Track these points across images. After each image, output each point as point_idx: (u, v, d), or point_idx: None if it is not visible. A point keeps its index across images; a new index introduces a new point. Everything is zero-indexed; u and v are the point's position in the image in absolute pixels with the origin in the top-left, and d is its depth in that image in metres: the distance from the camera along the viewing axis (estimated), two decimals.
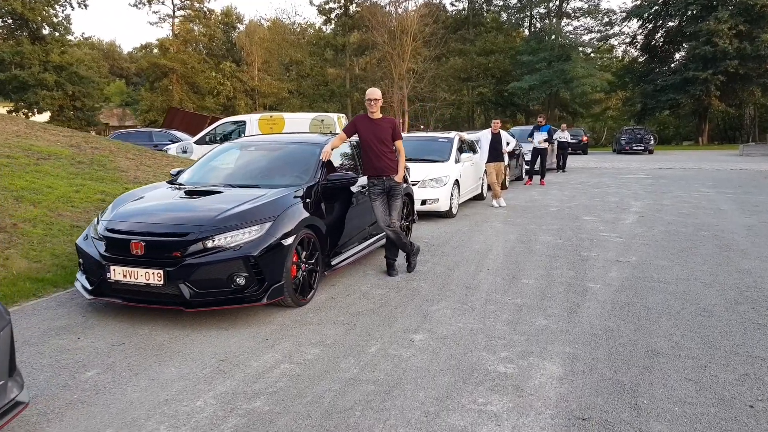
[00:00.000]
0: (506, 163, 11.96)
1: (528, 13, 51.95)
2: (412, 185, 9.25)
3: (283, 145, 6.35)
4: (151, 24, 77.42)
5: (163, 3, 50.70)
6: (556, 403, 3.30)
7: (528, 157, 16.48)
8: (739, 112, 46.89)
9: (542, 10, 51.12)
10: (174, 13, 51.08)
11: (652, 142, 33.43)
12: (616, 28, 50.18)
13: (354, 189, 6.29)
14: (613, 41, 52.72)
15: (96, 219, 5.22)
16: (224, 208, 4.78)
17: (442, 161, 10.35)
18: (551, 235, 8.42)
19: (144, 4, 49.45)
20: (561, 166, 20.56)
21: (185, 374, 3.72)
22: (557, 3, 49.27)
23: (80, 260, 5.03)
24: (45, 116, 48.13)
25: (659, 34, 48.54)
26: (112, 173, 9.97)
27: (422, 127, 46.50)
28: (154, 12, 73.34)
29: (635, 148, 33.06)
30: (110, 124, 62.04)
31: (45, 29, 47.32)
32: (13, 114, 45.97)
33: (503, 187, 13.99)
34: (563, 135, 20.05)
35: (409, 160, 10.42)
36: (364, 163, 6.13)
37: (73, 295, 5.36)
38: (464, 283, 5.87)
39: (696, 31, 40.83)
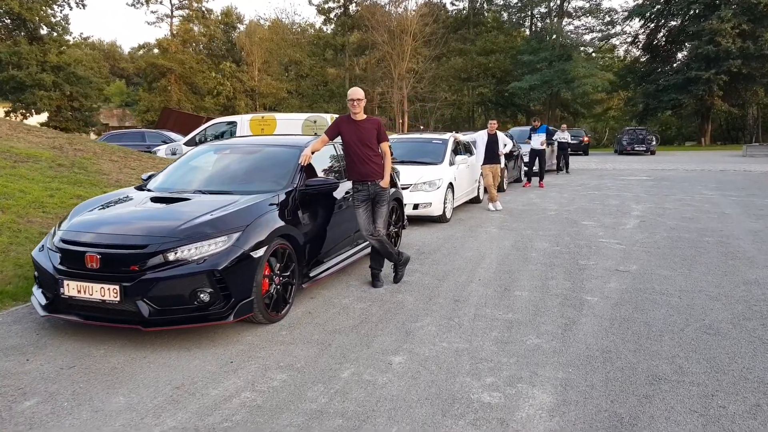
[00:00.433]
0: (503, 165, 11.57)
1: (529, 13, 51.58)
2: (404, 189, 8.91)
3: (261, 148, 5.97)
4: (149, 24, 76.92)
5: (161, 3, 50.43)
6: None
7: (527, 159, 16.09)
8: (742, 113, 46.42)
9: (543, 10, 50.75)
10: (172, 12, 50.77)
11: (654, 143, 33.02)
12: (618, 28, 49.88)
13: (337, 195, 5.92)
14: (614, 41, 52.42)
15: (54, 228, 4.84)
16: (189, 218, 4.41)
17: (436, 163, 9.97)
18: (548, 242, 8.04)
19: (142, 4, 49.23)
20: (560, 167, 20.20)
21: (134, 404, 3.35)
22: (558, 2, 48.90)
23: (35, 273, 4.66)
24: (43, 117, 47.97)
25: (661, 34, 48.12)
26: (93, 176, 9.60)
27: (422, 127, 46.11)
28: (152, 12, 73.07)
29: (637, 148, 32.65)
30: (110, 124, 61.75)
31: (43, 29, 47.07)
32: (11, 114, 45.81)
33: (501, 189, 13.65)
34: (563, 135, 19.67)
35: (401, 162, 10.13)
36: (348, 167, 5.76)
37: (31, 310, 4.98)
38: (453, 296, 5.49)
39: (699, 30, 40.41)
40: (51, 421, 3.17)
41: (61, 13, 48.39)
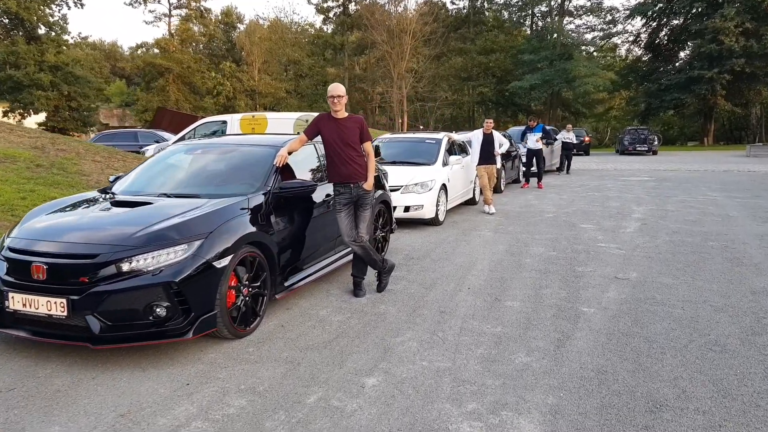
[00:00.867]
0: (499, 165, 11.19)
1: (529, 12, 51.15)
2: (394, 190, 8.55)
3: (235, 148, 5.60)
4: (146, 23, 76.30)
5: (159, 2, 50.12)
6: None
7: (525, 159, 15.70)
8: (745, 112, 45.93)
9: (544, 8, 50.32)
10: (170, 12, 50.43)
11: (656, 143, 32.58)
12: (620, 27, 49.48)
13: (317, 198, 5.55)
14: (616, 40, 51.95)
15: (4, 235, 4.48)
16: (146, 224, 4.04)
17: (429, 164, 9.59)
18: (544, 246, 7.66)
19: (140, 3, 48.89)
20: (561, 168, 19.84)
21: None
22: (559, 1, 48.48)
23: None
24: (41, 117, 47.73)
25: (663, 33, 47.66)
26: (72, 178, 9.25)
27: (421, 127, 45.72)
28: (150, 11, 72.70)
29: (639, 148, 32.22)
30: (110, 124, 61.45)
31: (41, 29, 46.80)
32: (9, 115, 45.53)
33: (498, 190, 13.27)
34: (568, 136, 19.28)
35: (392, 162, 9.77)
36: (329, 168, 5.38)
37: None
38: (439, 307, 5.12)
39: (701, 28, 39.94)
40: None
41: (59, 12, 48.16)
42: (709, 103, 42.53)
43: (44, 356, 4.00)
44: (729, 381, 3.58)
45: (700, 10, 41.85)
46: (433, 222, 9.18)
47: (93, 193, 5.19)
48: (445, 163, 9.82)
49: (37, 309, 3.78)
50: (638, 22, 48.27)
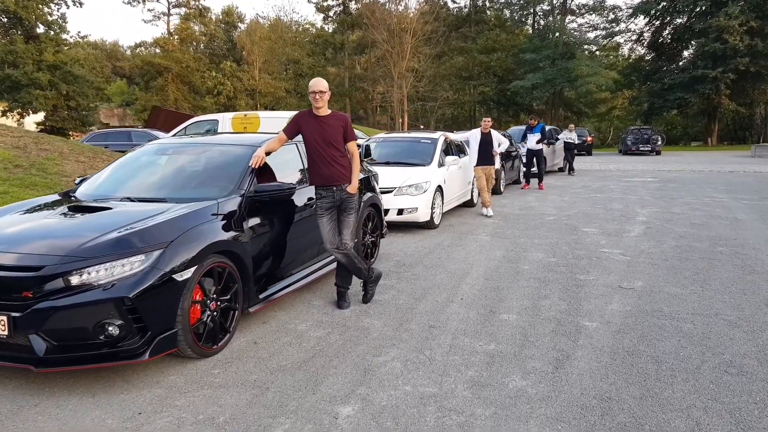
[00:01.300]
0: (498, 166, 10.77)
1: (531, 10, 50.64)
2: (387, 192, 8.17)
3: (209, 148, 5.19)
4: (145, 22, 75.78)
5: (158, 1, 49.78)
6: None
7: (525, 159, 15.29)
8: (749, 112, 45.40)
9: (546, 7, 49.85)
10: (169, 10, 50.08)
11: (659, 143, 32.09)
12: (622, 25, 48.91)
13: (298, 201, 5.15)
14: (618, 39, 51.42)
15: None
16: (101, 232, 3.65)
17: (424, 165, 9.18)
18: (544, 252, 7.26)
19: (138, 2, 48.51)
20: (564, 168, 19.45)
21: None
22: None
23: None
24: (40, 116, 47.46)
25: (667, 31, 47.17)
26: (52, 179, 8.87)
27: (422, 126, 45.28)
28: (148, 10, 72.40)
29: (642, 148, 31.75)
30: (111, 124, 61.15)
31: (40, 28, 46.49)
32: (7, 114, 45.27)
33: (497, 192, 12.87)
34: (570, 136, 18.86)
35: (386, 163, 9.37)
36: (310, 170, 4.99)
37: None
38: (428, 320, 4.72)
39: (705, 27, 39.44)
40: None
41: (58, 11, 47.84)
42: (713, 103, 42.04)
43: None
44: (748, 410, 3.18)
45: (704, 8, 41.35)
46: (428, 225, 8.78)
47: (53, 197, 4.80)
48: (441, 164, 9.42)
49: None
50: (641, 20, 47.83)
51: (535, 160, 14.72)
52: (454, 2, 54.32)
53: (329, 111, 4.95)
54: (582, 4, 48.64)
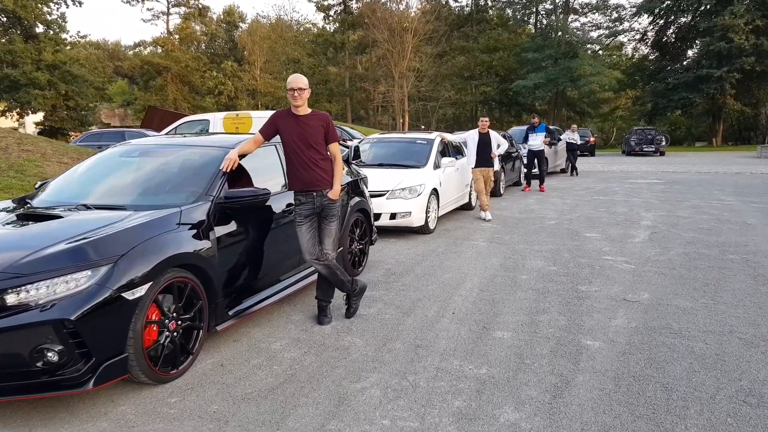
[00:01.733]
0: (498, 167, 10.36)
1: (533, 9, 50.10)
2: (379, 196, 7.78)
3: (178, 150, 4.79)
4: (144, 21, 75.19)
5: (157, 0, 49.46)
6: None
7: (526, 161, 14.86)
8: (755, 112, 44.84)
9: (548, 6, 49.33)
10: (168, 10, 49.75)
11: (663, 144, 31.61)
12: (626, 24, 48.54)
13: (276, 208, 4.76)
14: (622, 38, 50.84)
15: None
16: (44, 245, 3.25)
17: (419, 167, 8.78)
18: (543, 259, 6.85)
19: (138, 1, 48.18)
20: (566, 169, 19.04)
21: None
22: None
23: None
24: (39, 116, 47.25)
25: (671, 30, 46.64)
26: (29, 181, 8.50)
27: (423, 127, 44.87)
28: (148, 9, 72.02)
29: (646, 149, 31.27)
30: (112, 124, 60.88)
31: (39, 27, 46.22)
32: (6, 114, 45.04)
33: (497, 194, 12.47)
34: (573, 136, 18.42)
35: (379, 165, 8.97)
36: (288, 174, 4.59)
37: None
38: (415, 338, 4.31)
39: (710, 26, 38.93)
40: None
41: (57, 10, 47.54)
42: (717, 103, 41.52)
43: None
44: None
45: (708, 7, 40.85)
46: (423, 230, 8.38)
47: (5, 203, 4.41)
48: (436, 166, 9.02)
49: None
50: (645, 20, 47.33)
51: (536, 161, 14.28)
52: (456, 1, 53.91)
53: (309, 110, 4.56)
54: (585, 3, 48.10)
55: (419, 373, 3.70)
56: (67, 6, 48.47)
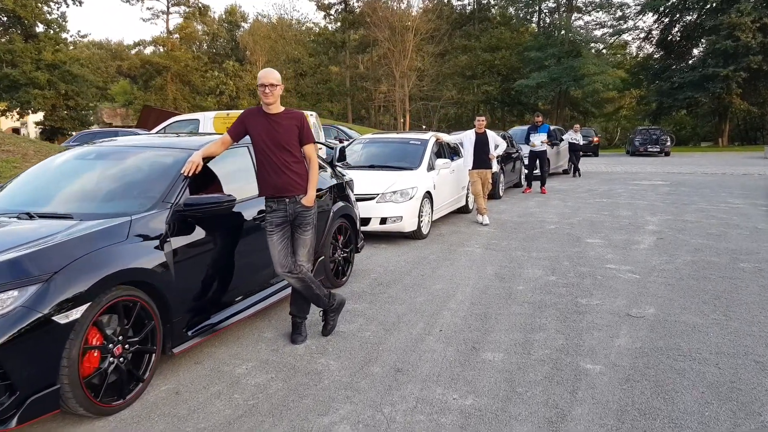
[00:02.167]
0: (496, 169, 9.94)
1: (536, 8, 49.53)
2: (369, 200, 7.38)
3: (137, 152, 4.37)
4: (144, 21, 74.64)
5: None
6: None
7: (527, 161, 14.40)
8: (761, 112, 44.20)
9: (551, 4, 48.74)
10: (168, 9, 49.41)
11: (668, 144, 31.05)
12: (630, 23, 47.73)
13: (247, 215, 4.35)
14: (626, 36, 50.20)
15: None
16: None
17: (411, 169, 8.36)
18: (542, 268, 6.43)
19: (138, 1, 47.81)
20: (569, 170, 18.61)
21: None
22: None
23: None
24: (39, 116, 47.05)
25: (676, 29, 46.01)
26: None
27: (424, 127, 44.43)
28: (147, 8, 71.59)
29: (650, 149, 30.71)
30: (113, 124, 60.62)
31: (39, 27, 45.97)
32: (7, 114, 44.81)
33: (496, 196, 12.06)
34: (575, 136, 17.96)
35: (371, 167, 8.56)
36: (259, 178, 4.19)
37: None
38: (396, 361, 3.90)
39: (716, 24, 38.31)
40: None
41: (57, 10, 47.25)
42: (724, 102, 40.89)
43: None
44: None
45: (714, 5, 40.25)
46: (415, 236, 7.97)
47: None
48: (431, 168, 8.60)
49: None
50: (650, 18, 46.71)
51: (538, 162, 13.83)
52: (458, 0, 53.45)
53: (282, 108, 4.15)
54: (589, 1, 47.44)
55: (397, 403, 3.29)
56: (68, 5, 48.22)
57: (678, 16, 44.82)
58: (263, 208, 4.28)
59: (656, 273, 6.16)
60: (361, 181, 7.73)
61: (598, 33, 48.41)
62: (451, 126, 49.43)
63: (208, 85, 51.42)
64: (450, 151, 9.79)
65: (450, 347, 4.13)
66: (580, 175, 18.37)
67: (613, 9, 46.17)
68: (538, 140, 13.46)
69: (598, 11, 47.26)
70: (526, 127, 15.83)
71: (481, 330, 4.48)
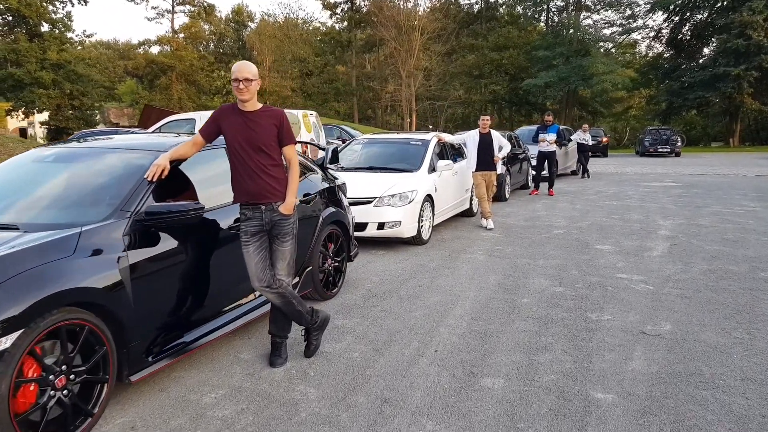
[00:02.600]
0: (501, 170, 9.50)
1: (544, 6, 48.97)
2: (365, 203, 6.98)
3: (101, 154, 3.97)
4: (149, 20, 74.57)
5: None
6: None
7: (535, 162, 13.94)
8: None
9: (560, 3, 48.14)
10: (173, 8, 49.19)
11: (679, 144, 30.44)
12: (640, 22, 46.98)
13: (223, 224, 3.95)
14: (636, 35, 49.54)
15: None
16: None
17: (411, 171, 7.96)
18: (548, 278, 6.00)
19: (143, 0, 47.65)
20: (577, 171, 18.14)
21: None
22: None
23: None
24: (44, 115, 46.99)
25: (686, 27, 45.31)
26: None
27: (430, 126, 43.97)
28: (152, 7, 71.30)
29: (660, 150, 30.11)
30: (120, 123, 60.53)
31: (44, 26, 45.87)
32: (12, 114, 44.75)
33: (502, 198, 11.64)
34: (584, 136, 17.48)
35: (369, 169, 8.17)
36: (233, 183, 3.78)
37: None
38: (384, 388, 3.49)
39: (727, 23, 37.64)
40: None
41: (63, 9, 47.10)
42: (735, 102, 40.19)
43: None
44: None
45: (726, 3, 39.58)
46: (415, 241, 7.56)
47: None
48: (432, 169, 8.19)
49: None
50: (660, 16, 46.14)
51: (546, 163, 13.33)
52: None
53: (259, 105, 3.75)
54: None
55: None
56: (73, 5, 48.10)
57: (688, 14, 44.16)
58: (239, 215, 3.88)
59: (671, 283, 5.73)
60: (359, 184, 7.35)
61: (607, 32, 47.83)
62: (458, 126, 48.98)
63: (215, 85, 51.18)
64: (453, 152, 9.37)
65: (445, 371, 3.72)
66: (589, 176, 17.90)
67: (623, 7, 45.53)
68: (550, 138, 12.88)
69: (607, 10, 46.65)
70: (534, 127, 15.37)
71: (480, 351, 4.07)
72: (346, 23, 52.51)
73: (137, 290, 3.18)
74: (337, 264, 5.41)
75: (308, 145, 10.21)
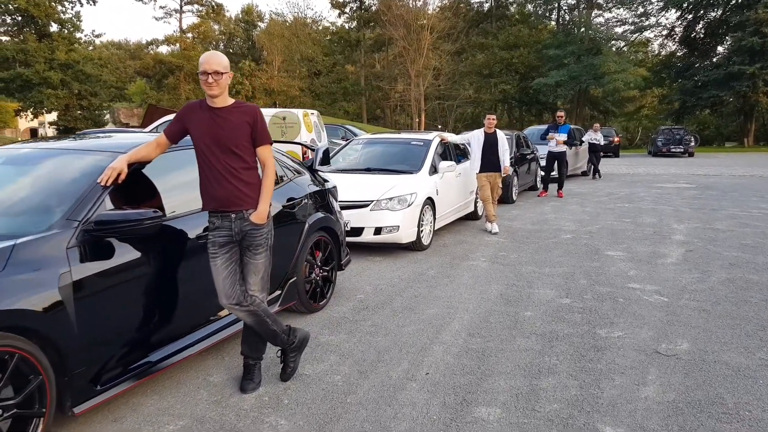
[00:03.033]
0: (510, 171, 9.07)
1: (555, 5, 48.34)
2: (362, 207, 6.59)
3: (53, 155, 3.59)
4: (157, 20, 74.36)
5: None
6: None
7: (544, 162, 13.49)
8: None
9: (571, 1, 47.53)
10: (181, 8, 49.07)
11: (692, 144, 29.82)
12: (652, 20, 46.23)
13: (190, 233, 3.58)
14: (648, 34, 48.83)
15: None
16: None
17: (412, 172, 7.56)
18: (554, 287, 5.59)
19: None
20: (588, 172, 17.67)
21: None
22: None
23: None
24: (53, 116, 47.06)
25: (700, 26, 44.57)
26: None
27: (440, 126, 43.49)
28: (161, 7, 71.30)
29: (673, 150, 29.51)
30: (130, 124, 60.59)
31: (52, 26, 45.92)
32: (21, 114, 44.82)
33: (509, 200, 11.22)
34: (595, 136, 17.00)
35: (367, 170, 7.80)
36: (201, 187, 3.40)
37: None
38: (364, 420, 3.10)
39: (742, 20, 36.92)
40: None
41: (72, 9, 47.10)
42: (749, 101, 39.45)
43: None
44: None
45: (740, 0, 38.84)
46: (415, 247, 7.16)
47: None
48: (433, 171, 7.79)
49: None
50: (673, 14, 45.36)
51: (556, 163, 12.86)
52: None
53: (231, 101, 3.36)
54: None
55: None
56: (81, 5, 48.09)
57: (702, 12, 43.43)
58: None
59: (687, 295, 5.29)
60: (356, 186, 6.98)
61: (619, 30, 47.17)
62: (468, 126, 48.48)
63: None
64: (457, 153, 8.97)
65: (435, 399, 3.32)
66: (600, 176, 17.42)
67: (635, 5, 44.81)
68: (559, 138, 12.39)
69: (619, 8, 45.92)
70: (543, 126, 14.93)
71: (476, 373, 3.67)
72: (354, 22, 52.17)
73: (82, 311, 2.80)
74: (325, 274, 5.02)
75: (307, 149, 9.84)
